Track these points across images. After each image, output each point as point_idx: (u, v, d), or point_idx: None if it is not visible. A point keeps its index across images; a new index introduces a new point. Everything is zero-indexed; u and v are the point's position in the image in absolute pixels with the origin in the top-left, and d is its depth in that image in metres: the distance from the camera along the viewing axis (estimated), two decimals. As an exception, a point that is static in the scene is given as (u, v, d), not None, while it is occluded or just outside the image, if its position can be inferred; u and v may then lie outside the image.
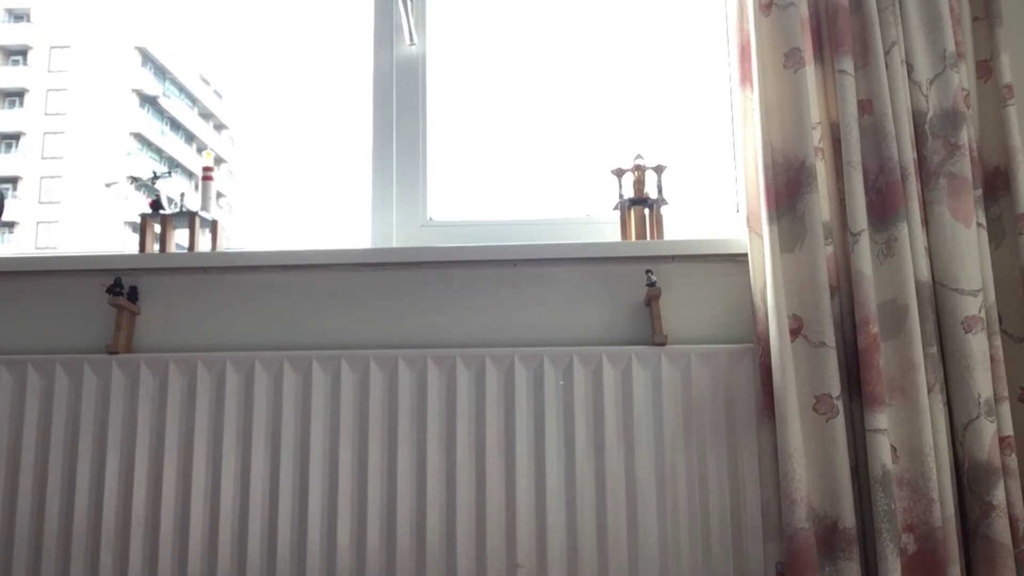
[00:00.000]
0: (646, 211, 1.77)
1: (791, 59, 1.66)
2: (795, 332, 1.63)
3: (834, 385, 1.57)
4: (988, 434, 1.54)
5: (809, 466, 1.59)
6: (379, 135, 1.93)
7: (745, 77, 1.72)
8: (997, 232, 1.68)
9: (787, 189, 1.65)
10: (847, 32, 1.65)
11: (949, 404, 1.60)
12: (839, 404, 1.57)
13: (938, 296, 1.62)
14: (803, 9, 1.68)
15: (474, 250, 1.74)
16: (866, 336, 1.56)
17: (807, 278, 1.61)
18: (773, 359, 1.60)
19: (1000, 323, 1.64)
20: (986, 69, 1.71)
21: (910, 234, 1.60)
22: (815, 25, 1.71)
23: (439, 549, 1.66)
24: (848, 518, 1.54)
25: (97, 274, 1.86)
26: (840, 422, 1.56)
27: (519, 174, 2.17)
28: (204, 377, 1.74)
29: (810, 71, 1.67)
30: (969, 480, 1.56)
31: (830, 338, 1.58)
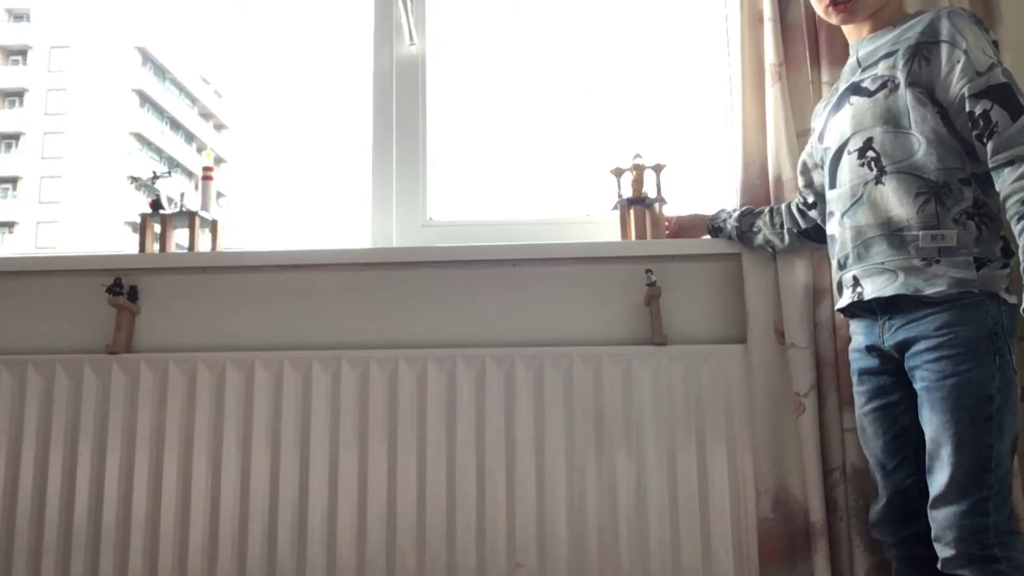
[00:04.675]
0: (645, 211, 1.77)
1: (779, 67, 1.68)
2: (777, 333, 1.66)
3: (803, 383, 1.60)
4: (988, 434, 1.54)
5: (781, 461, 1.63)
6: (379, 135, 1.93)
7: (738, 83, 1.73)
8: (997, 232, 1.68)
9: (775, 196, 1.66)
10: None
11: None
12: (806, 402, 1.60)
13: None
14: (795, 15, 1.71)
15: (474, 250, 1.74)
16: (843, 338, 1.61)
17: (789, 279, 1.64)
18: (755, 358, 1.64)
19: (1000, 323, 1.64)
20: (986, 69, 1.71)
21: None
22: (811, 29, 1.72)
23: (440, 548, 1.66)
24: (817, 512, 1.57)
25: (97, 274, 1.86)
26: (809, 419, 1.59)
27: (519, 174, 2.17)
28: (204, 377, 1.74)
29: (805, 76, 1.70)
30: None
31: (800, 339, 1.61)
